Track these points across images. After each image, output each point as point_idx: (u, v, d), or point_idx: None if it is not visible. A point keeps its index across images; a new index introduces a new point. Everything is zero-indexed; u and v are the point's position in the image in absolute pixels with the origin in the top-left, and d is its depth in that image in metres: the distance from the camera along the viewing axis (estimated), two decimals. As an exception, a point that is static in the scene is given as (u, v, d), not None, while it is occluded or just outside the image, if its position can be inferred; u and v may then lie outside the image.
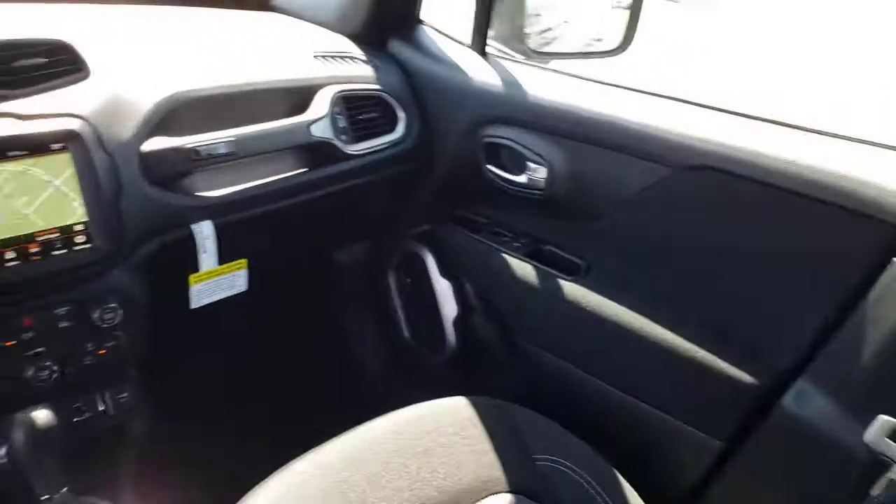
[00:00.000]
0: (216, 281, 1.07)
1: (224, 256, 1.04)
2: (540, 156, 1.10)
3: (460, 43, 1.24)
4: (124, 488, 1.00)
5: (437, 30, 1.28)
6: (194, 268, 1.01)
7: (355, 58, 1.22)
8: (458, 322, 1.39)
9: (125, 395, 1.02)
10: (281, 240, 1.25)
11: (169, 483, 1.06)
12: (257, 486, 0.86)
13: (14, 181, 0.78)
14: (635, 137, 0.99)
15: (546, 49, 1.24)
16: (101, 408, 1.00)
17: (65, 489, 0.82)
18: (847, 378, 0.86)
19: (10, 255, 0.79)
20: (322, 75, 1.13)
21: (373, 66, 1.22)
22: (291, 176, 1.07)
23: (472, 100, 1.17)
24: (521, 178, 1.13)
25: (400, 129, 1.21)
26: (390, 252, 1.51)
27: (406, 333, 1.53)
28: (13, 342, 0.84)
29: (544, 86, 1.11)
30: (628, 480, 0.95)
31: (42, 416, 0.80)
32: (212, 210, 0.98)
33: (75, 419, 0.97)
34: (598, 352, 1.12)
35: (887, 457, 0.78)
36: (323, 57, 1.17)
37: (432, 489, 0.88)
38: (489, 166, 1.18)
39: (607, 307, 1.08)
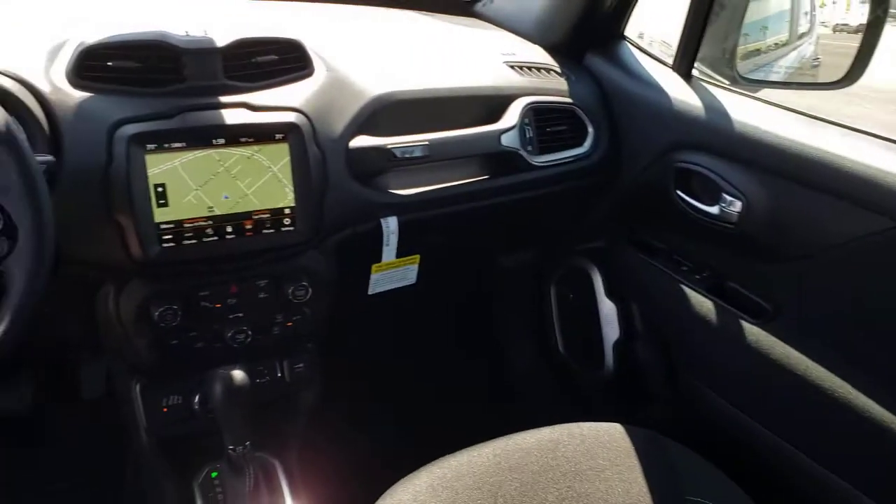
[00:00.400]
0: (393, 272, 1.13)
1: (401, 250, 1.09)
2: (737, 188, 1.04)
3: (663, 63, 1.21)
4: (291, 451, 1.08)
5: (639, 47, 1.25)
6: (376, 258, 1.07)
7: (550, 69, 1.22)
8: (619, 345, 1.36)
9: (301, 365, 1.11)
10: (453, 239, 1.28)
11: (329, 453, 1.14)
12: (412, 474, 0.89)
13: (241, 164, 0.87)
14: (853, 182, 0.90)
15: (755, 76, 1.17)
16: (278, 374, 1.10)
17: (248, 443, 0.91)
18: None
19: (229, 228, 0.88)
20: (516, 85, 1.15)
21: (566, 79, 1.22)
22: (477, 181, 1.10)
23: (669, 122, 1.13)
24: (713, 209, 1.07)
25: (587, 144, 1.20)
26: (555, 263, 1.50)
27: (560, 347, 1.52)
28: (220, 304, 0.95)
29: (750, 114, 1.05)
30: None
31: (238, 374, 0.89)
32: (400, 207, 1.04)
33: (257, 380, 1.07)
34: (777, 403, 1.04)
35: None
36: (518, 67, 1.19)
37: None
38: (679, 192, 1.13)
39: (793, 358, 1.01)
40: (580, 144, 1.20)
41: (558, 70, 1.23)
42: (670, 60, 1.19)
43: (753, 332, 1.06)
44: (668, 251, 1.25)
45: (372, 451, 1.16)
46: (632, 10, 1.23)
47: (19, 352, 0.70)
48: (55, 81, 0.83)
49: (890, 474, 0.91)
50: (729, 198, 1.04)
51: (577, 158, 1.19)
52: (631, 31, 1.27)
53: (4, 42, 0.86)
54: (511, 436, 0.95)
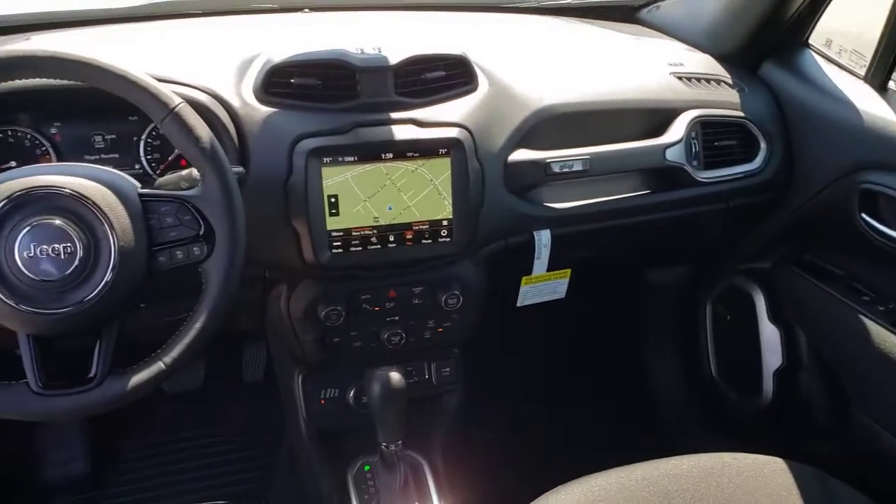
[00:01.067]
0: (543, 285, 1.13)
1: (550, 264, 1.09)
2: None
3: (853, 73, 1.10)
4: (436, 451, 1.12)
5: (825, 56, 1.15)
6: (527, 270, 1.08)
7: (720, 80, 1.16)
8: (780, 373, 1.27)
9: (448, 369, 1.14)
10: (604, 254, 1.26)
11: (474, 455, 1.16)
12: (561, 487, 0.89)
13: (406, 177, 0.91)
14: None
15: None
16: (426, 376, 1.14)
17: (400, 442, 0.95)
18: None
19: (391, 238, 0.92)
20: (683, 98, 1.10)
21: (738, 91, 1.15)
22: (637, 196, 1.07)
23: (856, 138, 1.04)
24: (905, 237, 0.97)
25: (758, 160, 1.13)
26: (712, 282, 1.43)
27: (713, 371, 1.44)
28: (379, 308, 1.00)
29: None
30: None
31: (396, 376, 0.93)
32: (553, 221, 1.03)
33: (407, 380, 1.11)
34: None
35: None
36: (686, 78, 1.14)
37: None
38: (864, 216, 1.03)
39: None
40: (750, 160, 1.13)
41: (729, 81, 1.16)
42: (862, 71, 1.08)
43: None
44: (845, 278, 1.14)
45: (517, 455, 1.17)
46: (820, 15, 1.13)
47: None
48: (244, 97, 0.90)
49: None
50: None
51: (747, 175, 1.12)
52: (816, 38, 1.17)
53: (197, 60, 0.95)
54: (662, 460, 0.93)
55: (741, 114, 1.12)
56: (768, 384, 1.28)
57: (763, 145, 1.13)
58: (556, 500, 0.88)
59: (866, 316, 1.07)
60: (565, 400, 1.49)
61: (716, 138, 1.11)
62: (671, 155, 1.05)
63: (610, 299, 1.53)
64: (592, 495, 0.88)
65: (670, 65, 1.16)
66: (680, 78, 1.13)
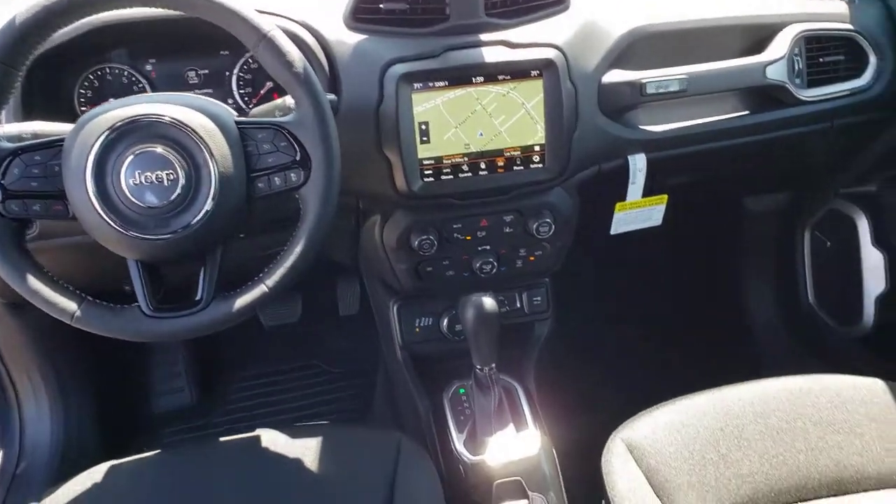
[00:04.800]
0: (638, 212, 1.11)
1: (645, 190, 1.06)
2: None
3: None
4: (529, 377, 1.14)
5: None
6: (620, 196, 1.06)
7: None
8: (883, 298, 1.22)
9: (539, 298, 1.15)
10: (701, 179, 1.22)
11: (565, 381, 1.17)
12: (651, 408, 0.90)
13: (497, 102, 0.90)
14: None
15: None
16: (517, 305, 1.15)
17: (493, 365, 0.97)
18: None
19: (483, 165, 0.92)
20: (786, 12, 1.04)
21: (847, 2, 1.07)
22: (736, 118, 1.03)
23: None
24: None
25: (867, 76, 1.06)
26: (811, 207, 1.37)
27: (810, 298, 1.40)
28: (470, 237, 1.01)
29: None
30: None
31: (489, 301, 0.94)
32: (649, 144, 1.01)
33: (501, 309, 1.13)
34: None
35: None
36: None
37: (829, 461, 0.83)
38: None
39: None
40: (858, 76, 1.07)
41: None
42: None
43: None
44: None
45: (610, 380, 1.17)
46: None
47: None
48: (334, 24, 0.91)
49: None
50: None
51: (854, 92, 1.06)
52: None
53: None
54: (756, 381, 0.93)
55: (850, 26, 1.05)
56: (869, 310, 1.25)
57: (873, 60, 1.06)
58: (649, 420, 0.89)
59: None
60: (659, 326, 1.48)
61: (821, 54, 1.05)
62: (772, 73, 1.00)
63: (707, 227, 1.49)
64: (686, 415, 0.89)
65: (771, -24, 1.09)
66: None
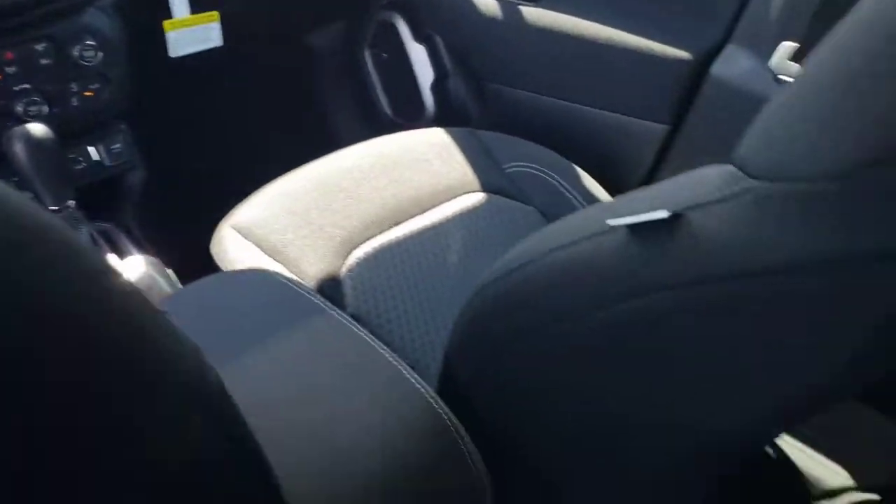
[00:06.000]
0: (191, 31, 1.09)
1: (195, 7, 1.05)
2: None
3: None
4: (126, 215, 1.08)
5: None
6: (167, 15, 1.03)
7: None
8: (435, 86, 1.42)
9: (118, 145, 1.08)
10: (252, 3, 1.24)
11: (167, 223, 1.12)
12: (251, 196, 0.93)
13: None
14: None
15: None
16: (95, 158, 1.06)
17: (72, 202, 0.88)
18: (764, 33, 0.92)
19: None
20: None
21: None
22: None
23: None
24: None
25: None
26: (364, 28, 1.50)
27: (388, 110, 1.56)
28: (1, 76, 0.88)
29: None
30: (591, 176, 1.03)
31: (38, 128, 0.84)
32: None
33: (74, 168, 1.03)
34: (554, 71, 1.16)
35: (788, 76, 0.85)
36: None
37: (410, 189, 0.96)
38: None
39: (561, 23, 1.12)
40: None
41: None
42: None
43: (530, 13, 1.15)
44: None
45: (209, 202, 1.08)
46: None
47: None
48: None
49: (640, 89, 1.07)
50: None
51: None
52: None
53: None
54: (341, 150, 1.02)
55: None
56: (428, 100, 1.44)
57: None
58: (251, 204, 0.93)
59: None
60: (249, 148, 1.41)
61: None
62: None
63: (274, 54, 1.46)
64: (284, 188, 0.94)
65: None
66: None
